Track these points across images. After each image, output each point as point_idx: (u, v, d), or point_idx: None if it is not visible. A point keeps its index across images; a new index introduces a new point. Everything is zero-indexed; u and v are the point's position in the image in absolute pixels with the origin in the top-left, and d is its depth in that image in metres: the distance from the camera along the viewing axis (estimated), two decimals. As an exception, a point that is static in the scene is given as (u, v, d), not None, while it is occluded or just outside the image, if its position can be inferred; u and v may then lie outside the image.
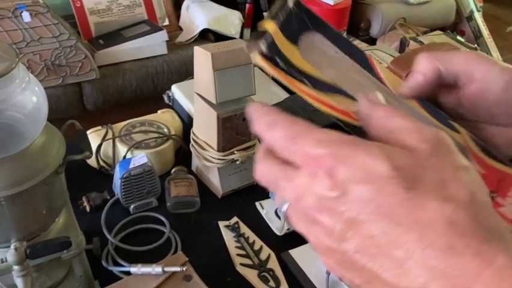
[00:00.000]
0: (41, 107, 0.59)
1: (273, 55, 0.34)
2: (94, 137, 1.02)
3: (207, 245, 0.89)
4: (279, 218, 0.94)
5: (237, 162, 0.95)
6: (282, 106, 1.11)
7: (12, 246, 0.59)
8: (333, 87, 0.36)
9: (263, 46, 0.33)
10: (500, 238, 0.26)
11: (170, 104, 1.27)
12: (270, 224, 0.94)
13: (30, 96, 0.58)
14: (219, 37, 2.21)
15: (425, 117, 0.36)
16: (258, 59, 0.34)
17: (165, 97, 1.28)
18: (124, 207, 0.94)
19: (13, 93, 0.55)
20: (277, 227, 0.92)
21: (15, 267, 0.60)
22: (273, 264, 0.85)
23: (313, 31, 0.36)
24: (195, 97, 0.94)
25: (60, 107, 1.89)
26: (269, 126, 0.31)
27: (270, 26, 0.34)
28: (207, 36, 2.24)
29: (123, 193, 0.92)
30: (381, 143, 0.29)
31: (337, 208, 0.27)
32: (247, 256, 0.86)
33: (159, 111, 1.16)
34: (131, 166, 0.92)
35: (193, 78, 0.96)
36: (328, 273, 0.82)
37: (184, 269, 0.73)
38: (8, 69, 0.53)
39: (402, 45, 1.91)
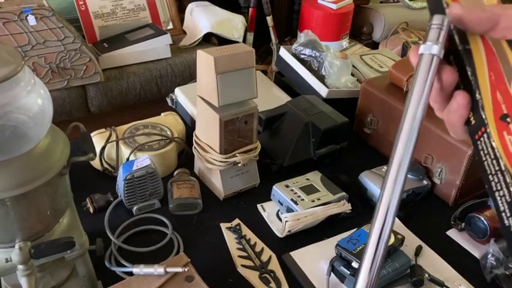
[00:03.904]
0: (46, 109, 0.60)
1: None
2: (98, 139, 1.03)
3: (208, 246, 0.90)
4: (280, 220, 0.95)
5: (239, 165, 0.96)
6: (283, 109, 1.12)
7: (16, 246, 0.60)
8: None
9: None
10: None
11: (173, 106, 1.28)
12: (271, 226, 0.95)
13: (35, 99, 0.59)
14: (222, 41, 2.22)
15: None
16: None
17: (168, 100, 1.30)
18: (127, 208, 0.95)
19: (19, 95, 0.56)
20: (279, 229, 0.93)
21: (20, 267, 0.60)
22: (274, 265, 0.86)
23: None
24: (198, 100, 0.95)
25: (65, 109, 1.90)
26: None
27: None
28: (211, 40, 2.26)
29: (126, 195, 0.93)
30: None
31: None
32: (248, 257, 0.87)
33: (162, 114, 1.17)
34: (134, 168, 0.93)
35: (196, 81, 0.96)
36: (328, 275, 0.82)
37: (186, 269, 0.74)
38: (14, 72, 0.54)
39: (405, 50, 1.92)
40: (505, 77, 0.38)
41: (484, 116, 0.38)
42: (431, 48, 0.38)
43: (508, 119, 0.37)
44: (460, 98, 0.39)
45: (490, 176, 0.38)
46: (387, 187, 0.37)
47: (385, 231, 0.36)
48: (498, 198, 0.37)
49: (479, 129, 0.39)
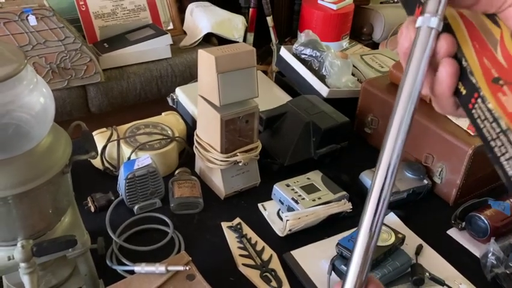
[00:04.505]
0: (48, 108, 0.60)
1: None
2: (99, 138, 1.03)
3: (209, 245, 0.90)
4: (281, 219, 0.95)
5: (240, 164, 0.96)
6: (284, 109, 1.12)
7: (18, 244, 0.61)
8: None
9: None
10: None
11: (174, 106, 1.29)
12: (272, 225, 0.95)
13: (37, 98, 0.59)
14: (222, 41, 2.22)
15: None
16: None
17: (169, 100, 1.30)
18: (128, 207, 0.95)
19: (21, 94, 0.56)
20: (280, 228, 0.93)
21: (22, 265, 0.61)
22: (275, 264, 0.86)
23: None
24: (199, 99, 0.95)
25: (66, 109, 1.90)
26: None
27: None
28: (211, 40, 2.26)
29: (127, 194, 0.93)
30: None
31: None
32: (249, 256, 0.87)
33: (163, 114, 1.17)
34: (135, 167, 0.93)
35: (196, 81, 0.97)
36: (329, 274, 0.83)
37: (187, 268, 0.74)
38: (16, 71, 0.55)
39: (405, 50, 1.92)
40: (489, 45, 0.36)
41: (474, 81, 0.36)
42: (430, 21, 0.35)
43: (501, 82, 0.35)
44: (449, 66, 0.37)
45: (492, 142, 0.35)
46: (384, 160, 0.36)
47: (378, 217, 0.36)
48: (505, 163, 0.34)
49: (472, 96, 0.36)
